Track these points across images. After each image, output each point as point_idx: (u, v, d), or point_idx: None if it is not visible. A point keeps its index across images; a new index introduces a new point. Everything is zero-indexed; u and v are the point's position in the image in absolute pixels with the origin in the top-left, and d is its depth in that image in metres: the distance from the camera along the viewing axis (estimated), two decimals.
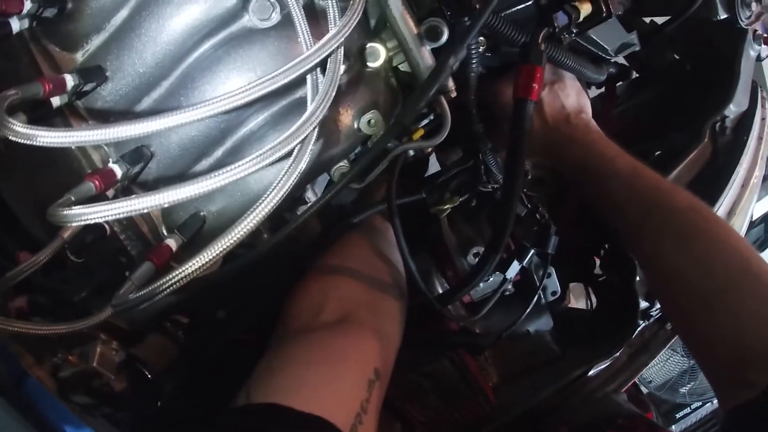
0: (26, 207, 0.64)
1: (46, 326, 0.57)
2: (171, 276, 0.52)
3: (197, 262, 0.51)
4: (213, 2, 0.55)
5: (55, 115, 0.58)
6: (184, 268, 0.51)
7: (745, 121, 1.01)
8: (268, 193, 0.49)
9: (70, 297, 0.63)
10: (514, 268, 0.74)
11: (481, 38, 0.70)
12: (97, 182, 0.53)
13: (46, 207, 0.52)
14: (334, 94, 0.50)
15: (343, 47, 0.51)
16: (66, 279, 0.64)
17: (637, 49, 0.98)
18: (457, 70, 0.67)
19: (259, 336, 0.66)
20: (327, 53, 0.50)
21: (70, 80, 0.53)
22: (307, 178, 0.63)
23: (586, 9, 0.70)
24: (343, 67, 0.59)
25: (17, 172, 0.63)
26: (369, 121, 0.60)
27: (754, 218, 1.83)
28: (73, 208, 0.49)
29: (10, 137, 0.47)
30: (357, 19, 0.51)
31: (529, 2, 0.71)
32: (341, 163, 0.64)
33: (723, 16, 0.96)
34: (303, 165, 0.49)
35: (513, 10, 0.70)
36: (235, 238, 0.50)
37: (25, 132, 0.46)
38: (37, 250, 0.59)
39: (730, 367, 0.57)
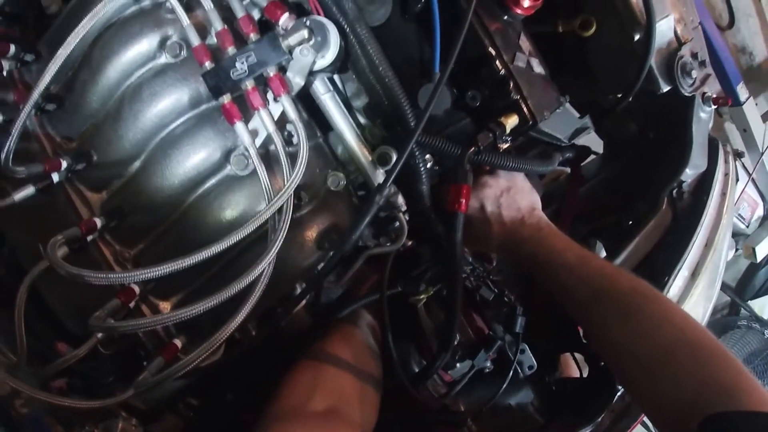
0: (65, 307, 0.80)
1: (84, 402, 0.72)
2: (176, 366, 0.69)
3: (193, 357, 0.68)
4: (204, 157, 0.73)
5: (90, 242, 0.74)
6: (184, 360, 0.67)
7: (704, 181, 1.05)
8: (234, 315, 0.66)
9: (100, 381, 0.78)
10: (481, 357, 0.82)
11: (428, 156, 0.81)
12: (123, 299, 0.71)
13: (81, 309, 0.70)
14: (285, 233, 0.67)
15: (292, 196, 0.66)
16: (97, 366, 0.79)
17: (592, 131, 1.07)
18: (409, 184, 0.79)
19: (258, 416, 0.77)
20: (281, 203, 0.67)
21: (98, 222, 0.72)
22: (281, 289, 0.77)
23: (512, 121, 0.80)
24: (307, 199, 0.75)
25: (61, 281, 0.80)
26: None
27: (759, 260, 1.81)
28: (106, 322, 0.68)
29: (63, 275, 0.65)
30: (301, 173, 0.66)
31: (466, 120, 0.83)
32: None
33: (666, 88, 1.00)
34: (256, 298, 0.66)
35: (452, 128, 0.83)
36: (217, 342, 0.67)
37: (74, 272, 0.65)
38: (69, 338, 0.76)
39: (674, 421, 0.65)
